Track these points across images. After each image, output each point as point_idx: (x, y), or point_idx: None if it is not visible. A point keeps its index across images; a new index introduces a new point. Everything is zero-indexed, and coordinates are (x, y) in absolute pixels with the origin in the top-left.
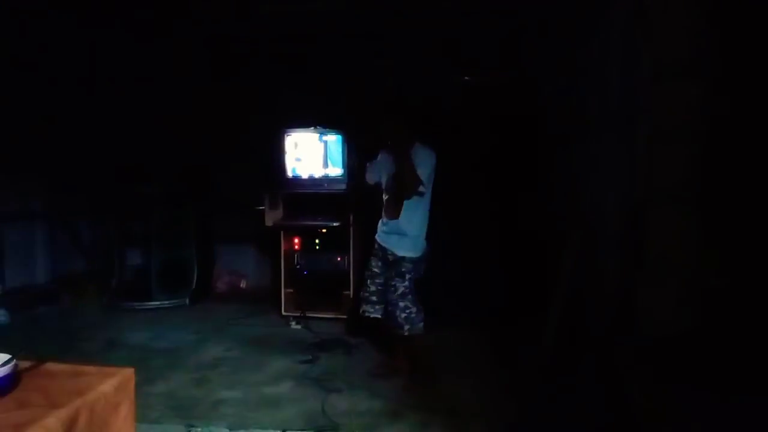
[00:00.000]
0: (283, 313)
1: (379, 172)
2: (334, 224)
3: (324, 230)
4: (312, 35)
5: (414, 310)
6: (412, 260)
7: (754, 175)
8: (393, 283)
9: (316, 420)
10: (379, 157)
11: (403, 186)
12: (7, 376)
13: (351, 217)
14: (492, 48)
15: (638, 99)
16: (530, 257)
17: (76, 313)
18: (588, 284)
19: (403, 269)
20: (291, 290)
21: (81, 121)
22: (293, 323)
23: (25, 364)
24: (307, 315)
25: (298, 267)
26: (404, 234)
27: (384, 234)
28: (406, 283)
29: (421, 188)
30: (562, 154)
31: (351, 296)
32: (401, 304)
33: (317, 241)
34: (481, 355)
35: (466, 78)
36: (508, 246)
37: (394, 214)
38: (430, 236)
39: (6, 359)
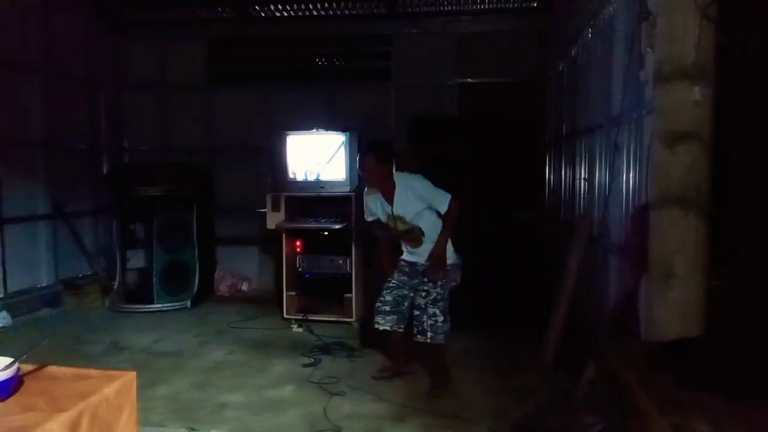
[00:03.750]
0: (285, 315)
1: (374, 213)
2: (336, 227)
3: (326, 233)
4: (314, 37)
5: (441, 319)
6: (445, 267)
7: (760, 177)
8: (425, 288)
9: (319, 423)
10: (366, 196)
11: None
12: (9, 380)
13: (353, 220)
14: (495, 50)
15: (643, 101)
16: (533, 259)
17: (79, 316)
18: (591, 287)
19: (435, 275)
20: (293, 293)
21: (83, 123)
22: (295, 326)
23: (27, 367)
24: (310, 318)
25: (300, 270)
26: (424, 251)
27: (410, 254)
28: (438, 289)
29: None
30: (566, 156)
31: (353, 300)
32: (430, 310)
33: (319, 243)
34: (484, 359)
35: (468, 80)
36: (510, 247)
37: (414, 244)
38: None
39: (9, 362)
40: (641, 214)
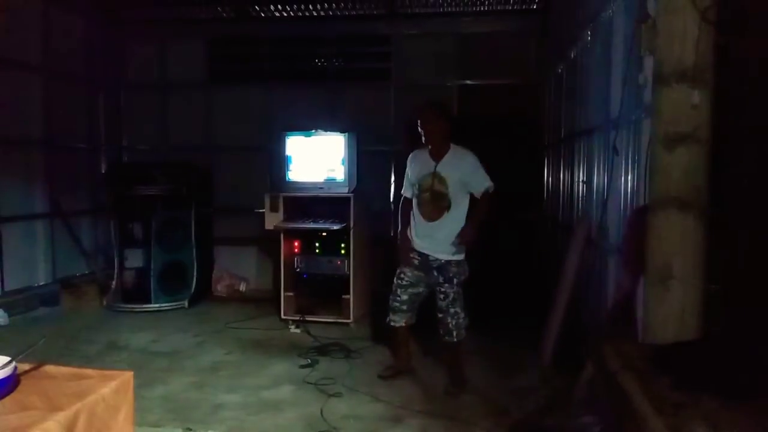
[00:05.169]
0: (283, 316)
1: (414, 179)
2: (335, 227)
3: (324, 233)
4: (313, 37)
5: (462, 315)
6: (458, 263)
7: (758, 179)
8: (442, 289)
9: (316, 424)
10: (412, 156)
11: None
12: (6, 379)
13: (352, 221)
14: (495, 51)
15: (641, 103)
16: (532, 260)
17: (76, 315)
18: (589, 289)
19: (450, 274)
20: (291, 294)
21: (82, 122)
22: (293, 327)
23: (24, 366)
24: (307, 319)
25: (298, 270)
26: (440, 236)
27: (419, 238)
28: (455, 288)
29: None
30: (565, 158)
31: (351, 302)
32: (452, 310)
33: (317, 244)
34: (483, 359)
35: (468, 81)
36: (509, 249)
37: (432, 216)
38: None
39: (6, 361)
40: (639, 216)
